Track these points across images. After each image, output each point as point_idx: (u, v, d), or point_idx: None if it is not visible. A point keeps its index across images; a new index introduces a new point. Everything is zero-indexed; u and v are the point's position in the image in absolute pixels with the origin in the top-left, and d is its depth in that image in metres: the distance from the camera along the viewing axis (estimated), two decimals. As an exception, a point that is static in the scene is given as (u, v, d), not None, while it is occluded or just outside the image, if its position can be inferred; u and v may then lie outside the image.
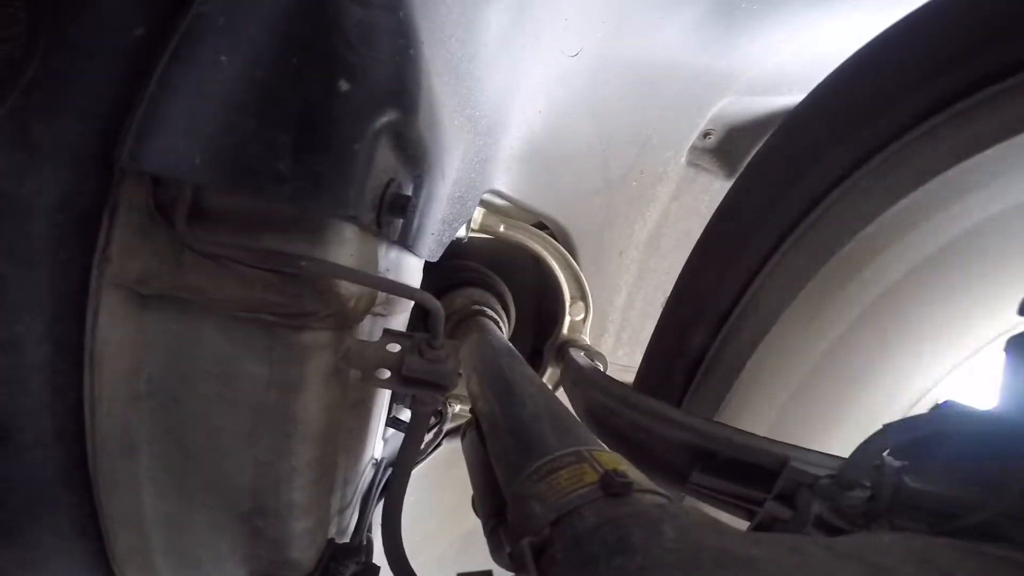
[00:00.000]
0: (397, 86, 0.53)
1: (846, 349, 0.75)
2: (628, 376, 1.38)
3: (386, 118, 0.52)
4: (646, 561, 0.32)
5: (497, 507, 0.58)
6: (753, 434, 0.59)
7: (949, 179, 0.62)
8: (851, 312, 0.73)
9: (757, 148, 0.82)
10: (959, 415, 0.48)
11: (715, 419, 0.81)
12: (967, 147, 0.60)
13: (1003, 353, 0.50)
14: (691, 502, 0.66)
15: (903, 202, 0.65)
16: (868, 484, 0.51)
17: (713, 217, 0.85)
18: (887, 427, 0.49)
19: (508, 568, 0.42)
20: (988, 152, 0.58)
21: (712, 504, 0.61)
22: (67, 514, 0.57)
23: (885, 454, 0.51)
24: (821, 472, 0.53)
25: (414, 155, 0.60)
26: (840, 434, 0.80)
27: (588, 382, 0.84)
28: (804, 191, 0.72)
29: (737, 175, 0.87)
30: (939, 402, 0.80)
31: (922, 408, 0.80)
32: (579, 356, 1.09)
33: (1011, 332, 0.65)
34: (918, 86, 0.62)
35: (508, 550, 0.53)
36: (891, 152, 0.65)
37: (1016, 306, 0.50)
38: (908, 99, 0.63)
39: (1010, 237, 0.65)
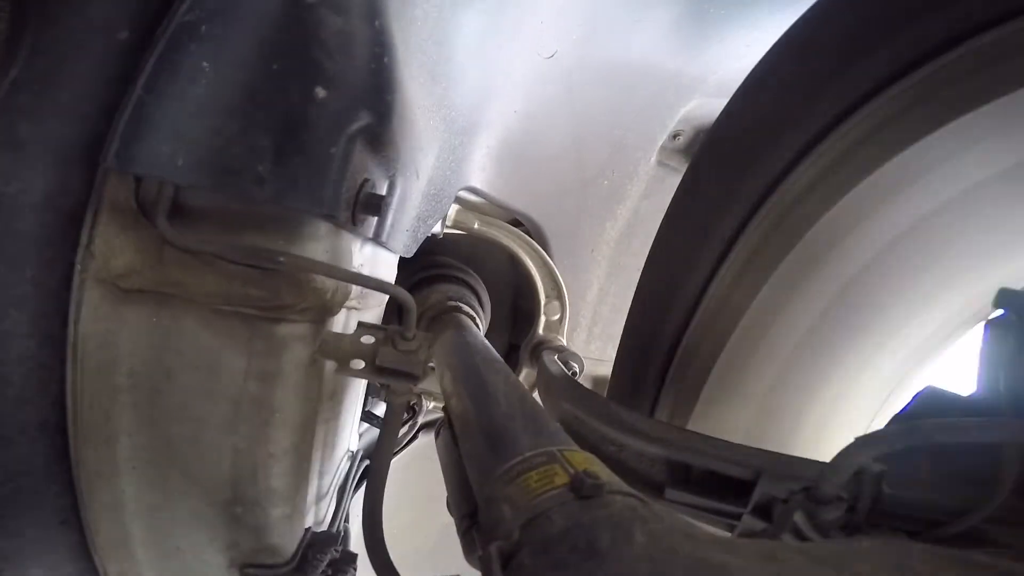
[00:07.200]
0: (372, 92, 0.56)
1: (821, 333, 0.74)
2: (601, 368, 1.42)
3: (361, 122, 0.54)
4: (616, 568, 0.31)
5: (470, 508, 0.56)
6: (727, 443, 0.57)
7: (912, 156, 0.61)
8: (823, 296, 0.72)
9: (708, 133, 0.80)
10: (933, 424, 0.46)
11: (695, 410, 0.81)
12: (928, 123, 0.59)
13: (981, 335, 0.50)
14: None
15: (867, 181, 0.64)
16: (845, 496, 0.49)
17: (671, 206, 0.84)
18: (859, 441, 0.47)
19: (480, 570, 0.40)
20: (951, 126, 0.58)
21: (690, 518, 0.59)
22: (49, 505, 0.58)
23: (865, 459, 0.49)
24: (796, 486, 0.51)
25: (388, 156, 0.63)
26: (820, 419, 0.80)
27: (560, 391, 0.80)
28: (761, 174, 0.72)
29: (691, 161, 0.84)
30: (919, 389, 0.77)
31: (902, 392, 0.79)
32: (552, 363, 1.05)
33: (985, 311, 0.64)
34: (878, 55, 0.61)
35: (479, 553, 0.51)
36: (850, 130, 0.64)
37: (989, 286, 0.50)
38: (866, 71, 0.62)
39: (978, 214, 0.64)
